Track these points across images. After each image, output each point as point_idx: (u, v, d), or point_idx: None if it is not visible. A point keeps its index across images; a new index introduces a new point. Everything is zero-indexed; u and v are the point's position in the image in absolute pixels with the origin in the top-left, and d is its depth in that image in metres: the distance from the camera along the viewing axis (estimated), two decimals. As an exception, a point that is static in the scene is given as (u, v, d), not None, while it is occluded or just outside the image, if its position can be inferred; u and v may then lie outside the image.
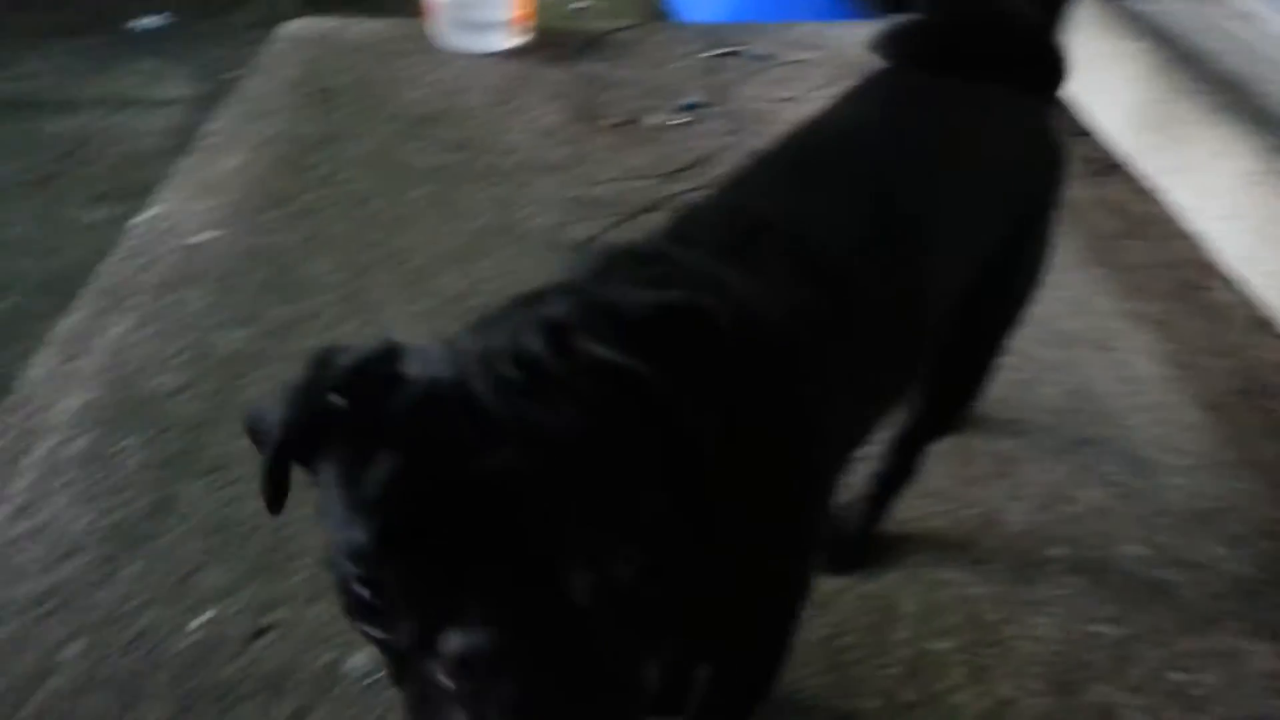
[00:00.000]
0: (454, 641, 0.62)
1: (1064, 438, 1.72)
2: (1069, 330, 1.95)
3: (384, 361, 0.72)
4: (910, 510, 1.57)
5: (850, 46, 3.05)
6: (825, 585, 1.45)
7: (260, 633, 1.39)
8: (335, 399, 0.71)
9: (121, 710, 1.30)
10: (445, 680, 0.63)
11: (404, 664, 0.67)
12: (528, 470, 0.64)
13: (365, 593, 0.66)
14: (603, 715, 0.66)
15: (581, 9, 4.09)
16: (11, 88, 3.47)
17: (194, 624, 1.40)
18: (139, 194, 2.79)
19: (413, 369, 0.71)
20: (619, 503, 0.67)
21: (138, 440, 1.69)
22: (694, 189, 2.29)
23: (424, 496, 0.64)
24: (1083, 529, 1.56)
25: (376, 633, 0.68)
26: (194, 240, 2.22)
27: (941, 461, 1.66)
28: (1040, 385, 1.82)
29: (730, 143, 2.58)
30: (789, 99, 2.78)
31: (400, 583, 0.65)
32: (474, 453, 0.65)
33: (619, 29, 3.27)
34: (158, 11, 3.93)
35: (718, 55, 3.08)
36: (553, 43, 3.14)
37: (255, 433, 0.79)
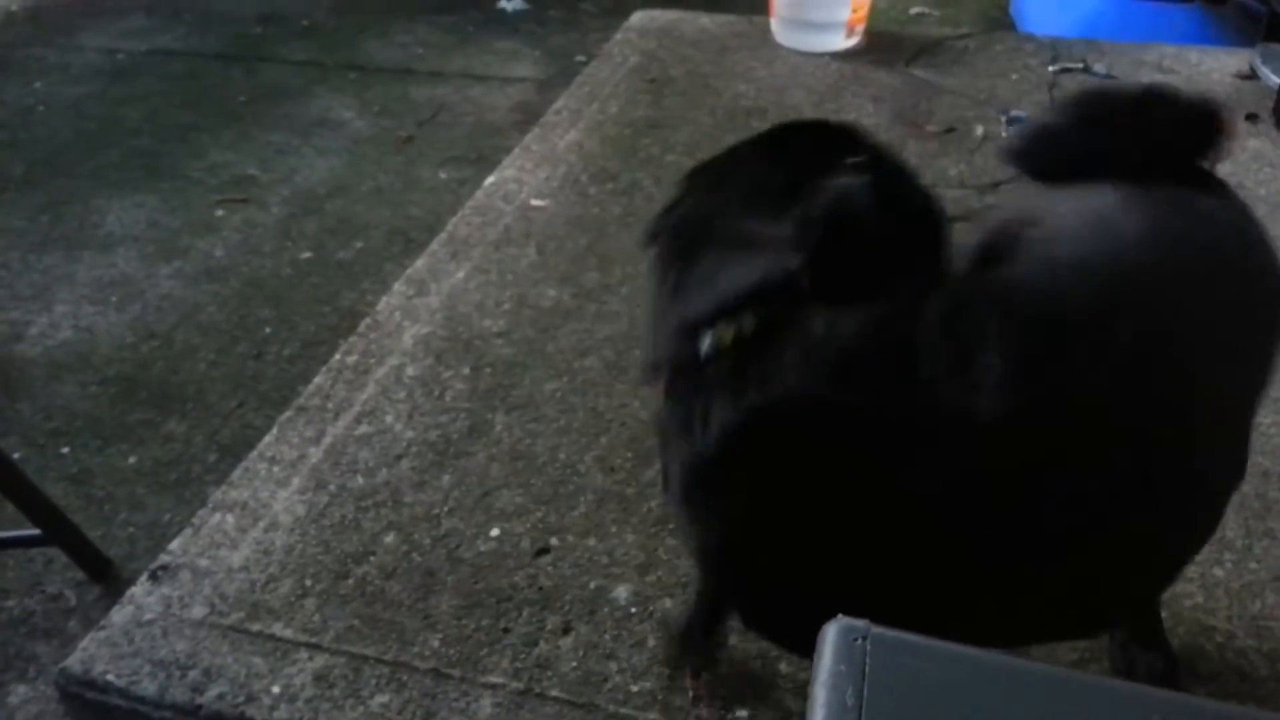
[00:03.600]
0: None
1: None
2: None
3: None
4: (1191, 554, 1.51)
5: (1209, 74, 2.88)
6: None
7: (541, 552, 1.55)
8: None
9: (420, 596, 1.50)
10: None
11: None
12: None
13: None
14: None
15: (921, 15, 4.07)
16: (388, 55, 3.93)
17: (489, 535, 1.58)
18: (486, 160, 3.11)
19: None
20: None
21: (462, 371, 1.92)
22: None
23: None
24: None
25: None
26: (529, 205, 2.45)
27: (1235, 512, 1.58)
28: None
29: (1053, 160, 2.51)
30: (1126, 121, 2.65)
31: None
32: None
33: (957, 36, 3.24)
34: (523, -5, 4.30)
35: (1059, 71, 2.99)
36: (886, 46, 3.17)
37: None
